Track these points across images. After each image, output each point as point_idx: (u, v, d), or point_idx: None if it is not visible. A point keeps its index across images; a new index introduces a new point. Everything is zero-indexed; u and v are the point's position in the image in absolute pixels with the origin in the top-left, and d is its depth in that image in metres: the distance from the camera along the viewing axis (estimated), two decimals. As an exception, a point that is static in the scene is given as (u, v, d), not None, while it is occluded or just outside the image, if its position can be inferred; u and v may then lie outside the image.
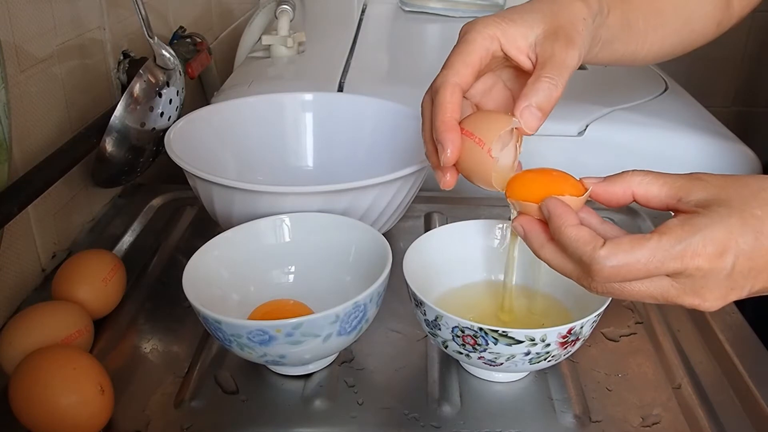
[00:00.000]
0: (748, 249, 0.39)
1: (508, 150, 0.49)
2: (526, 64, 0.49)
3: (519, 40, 0.49)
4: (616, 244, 0.40)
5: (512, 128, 0.48)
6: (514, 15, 0.50)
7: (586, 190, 0.45)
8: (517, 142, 0.49)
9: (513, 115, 0.47)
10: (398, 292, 0.56)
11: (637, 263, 0.39)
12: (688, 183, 0.42)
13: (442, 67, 0.49)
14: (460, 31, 0.50)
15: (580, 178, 0.46)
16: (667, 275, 0.40)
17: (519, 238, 0.51)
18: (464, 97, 0.50)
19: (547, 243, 0.44)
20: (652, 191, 0.43)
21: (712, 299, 0.41)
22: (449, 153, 0.47)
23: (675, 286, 0.40)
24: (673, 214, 0.42)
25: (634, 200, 0.44)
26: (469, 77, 0.49)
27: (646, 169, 0.44)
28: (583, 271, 0.41)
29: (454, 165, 0.49)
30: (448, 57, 0.49)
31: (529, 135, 0.48)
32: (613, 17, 0.53)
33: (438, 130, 0.48)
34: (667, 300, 0.41)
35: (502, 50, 0.49)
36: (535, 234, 0.45)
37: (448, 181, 0.50)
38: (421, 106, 0.51)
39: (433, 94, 0.49)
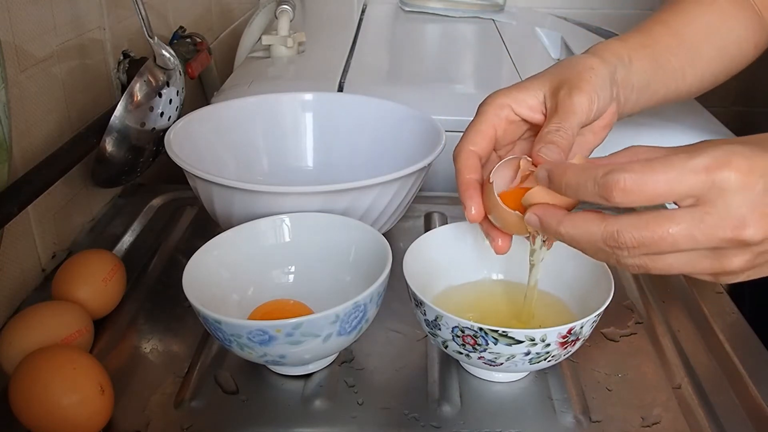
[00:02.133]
0: None
1: (514, 176, 0.49)
2: (542, 120, 0.51)
3: (529, 100, 0.51)
4: (629, 166, 0.37)
5: (518, 161, 0.48)
6: (524, 81, 0.52)
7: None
8: (520, 175, 0.49)
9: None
10: (398, 292, 0.56)
11: (656, 175, 0.36)
12: (693, 146, 0.40)
13: (460, 139, 0.52)
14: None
15: (576, 156, 0.45)
16: (696, 205, 0.37)
17: (538, 246, 0.50)
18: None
19: (564, 217, 0.42)
20: (658, 156, 0.41)
21: (755, 220, 0.36)
22: (473, 210, 0.48)
23: (708, 211, 0.36)
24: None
25: None
26: (482, 143, 0.51)
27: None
28: (601, 197, 0.38)
29: (495, 226, 0.50)
30: (465, 129, 0.52)
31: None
32: (640, 63, 0.54)
33: (459, 192, 0.49)
34: (708, 236, 0.37)
35: (515, 113, 0.51)
36: (550, 213, 0.43)
37: (501, 246, 0.50)
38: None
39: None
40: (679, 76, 0.58)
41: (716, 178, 0.36)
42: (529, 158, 0.48)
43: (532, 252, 0.51)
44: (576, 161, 0.43)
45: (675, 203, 0.38)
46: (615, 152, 0.44)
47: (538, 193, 0.44)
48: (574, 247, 0.42)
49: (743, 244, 0.37)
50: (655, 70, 0.56)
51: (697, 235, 0.37)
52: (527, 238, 0.50)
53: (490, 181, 0.47)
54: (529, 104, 0.51)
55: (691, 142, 0.80)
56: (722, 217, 0.36)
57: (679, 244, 0.37)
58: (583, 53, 0.54)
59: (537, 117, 0.51)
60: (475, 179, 0.49)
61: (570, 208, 0.43)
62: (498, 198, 0.46)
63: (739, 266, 0.38)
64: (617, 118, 0.54)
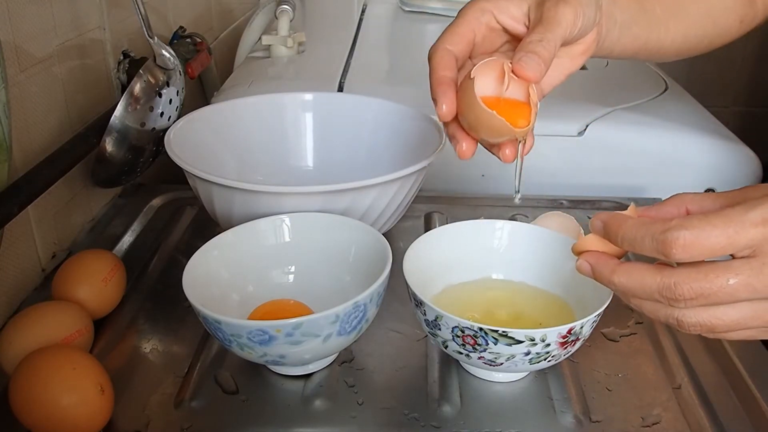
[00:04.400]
0: None
1: (493, 81, 0.48)
2: (524, 32, 0.50)
3: (512, 9, 0.50)
4: (686, 218, 0.37)
5: (501, 64, 0.47)
6: None
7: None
8: (509, 79, 0.47)
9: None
10: (398, 292, 0.56)
11: (715, 230, 0.36)
12: (741, 191, 0.40)
13: (437, 39, 0.50)
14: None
15: (629, 206, 0.43)
16: (753, 256, 0.37)
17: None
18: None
19: (617, 266, 0.41)
20: (706, 205, 0.41)
21: None
22: (444, 107, 0.47)
23: (766, 262, 0.36)
24: None
25: None
26: (460, 45, 0.50)
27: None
28: (660, 253, 0.38)
29: (464, 129, 0.49)
30: (443, 31, 0.50)
31: (531, 81, 0.47)
32: (625, 0, 0.54)
33: (431, 89, 0.48)
34: (767, 285, 0.37)
35: (496, 21, 0.50)
36: (603, 262, 0.41)
37: (464, 150, 0.49)
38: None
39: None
40: (663, 27, 0.57)
41: None
42: (510, 64, 0.46)
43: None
44: (629, 212, 0.42)
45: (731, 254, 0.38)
46: (662, 201, 0.43)
47: (590, 240, 0.43)
48: (628, 300, 0.41)
49: None
50: (639, 12, 0.55)
51: (756, 285, 0.37)
52: (493, 146, 0.49)
53: (471, 77, 0.46)
54: (513, 13, 0.50)
55: (691, 142, 0.81)
56: None
57: (738, 294, 0.37)
58: None
59: (519, 28, 0.50)
60: (449, 77, 0.48)
61: (620, 256, 0.42)
62: (477, 96, 0.45)
63: None
64: (596, 50, 0.54)
